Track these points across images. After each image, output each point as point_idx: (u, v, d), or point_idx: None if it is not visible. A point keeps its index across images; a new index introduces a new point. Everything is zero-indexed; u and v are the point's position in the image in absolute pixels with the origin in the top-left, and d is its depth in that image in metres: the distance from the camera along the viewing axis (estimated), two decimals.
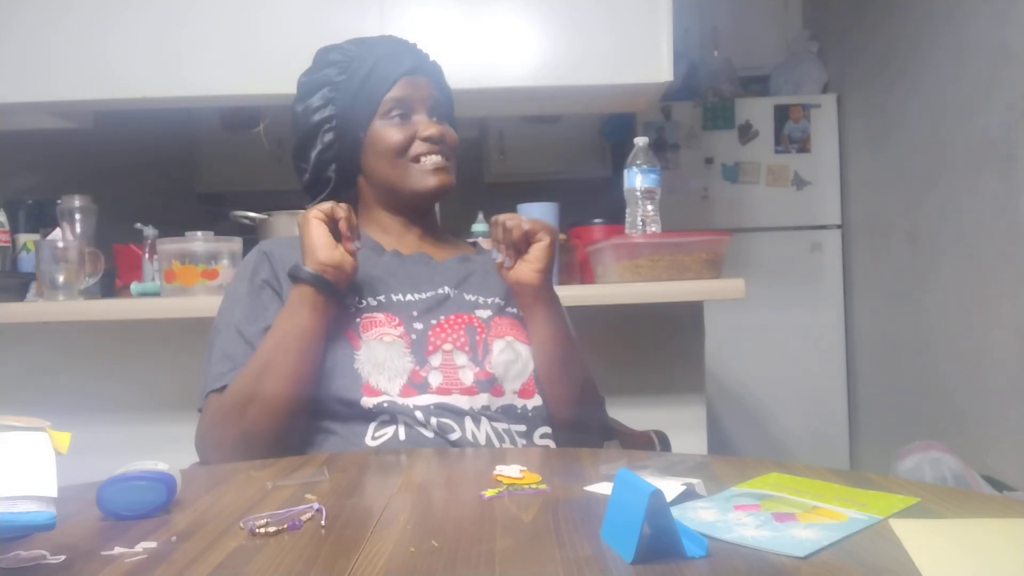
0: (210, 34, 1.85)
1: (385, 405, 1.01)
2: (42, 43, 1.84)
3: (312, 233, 1.02)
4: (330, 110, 1.17)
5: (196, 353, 1.11)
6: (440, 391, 1.03)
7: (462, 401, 1.03)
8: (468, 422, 1.02)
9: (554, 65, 1.86)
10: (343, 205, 1.05)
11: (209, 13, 1.85)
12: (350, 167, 1.19)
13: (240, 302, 1.09)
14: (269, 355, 1.00)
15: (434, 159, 1.14)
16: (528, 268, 1.07)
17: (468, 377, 1.05)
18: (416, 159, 1.14)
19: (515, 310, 1.15)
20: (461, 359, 1.06)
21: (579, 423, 1.12)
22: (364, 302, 1.08)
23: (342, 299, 1.05)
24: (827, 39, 3.47)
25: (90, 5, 1.85)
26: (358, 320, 1.05)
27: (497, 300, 1.14)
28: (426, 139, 1.13)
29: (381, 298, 1.09)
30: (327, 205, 1.04)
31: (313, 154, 1.19)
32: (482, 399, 1.04)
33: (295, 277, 1.02)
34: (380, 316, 1.06)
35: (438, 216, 1.36)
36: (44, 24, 1.85)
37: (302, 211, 1.84)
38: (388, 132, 1.14)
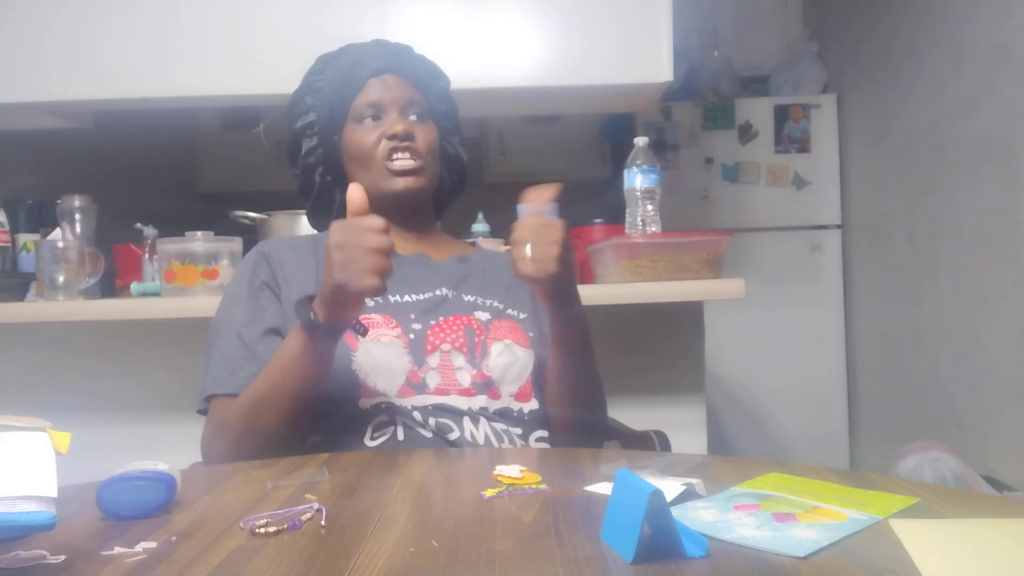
0: (210, 34, 1.85)
1: (383, 406, 1.01)
2: (42, 43, 1.84)
3: (357, 304, 0.94)
4: (312, 116, 1.20)
5: (196, 353, 1.11)
6: (438, 392, 1.03)
7: (460, 402, 1.03)
8: (467, 422, 1.02)
9: (554, 65, 1.85)
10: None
11: (209, 13, 1.85)
12: (335, 172, 1.20)
13: (240, 304, 1.09)
14: (272, 394, 0.97)
15: (401, 162, 1.12)
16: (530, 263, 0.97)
17: (466, 379, 1.05)
18: (385, 159, 1.13)
19: (515, 312, 1.15)
20: (459, 360, 1.06)
21: (575, 426, 1.11)
22: None
23: (360, 328, 1.00)
24: (827, 39, 3.47)
25: (90, 5, 1.85)
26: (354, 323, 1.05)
27: (495, 303, 1.14)
28: (391, 137, 1.12)
29: (378, 298, 1.08)
30: (376, 282, 0.90)
31: (299, 159, 1.21)
32: (480, 400, 1.04)
33: (308, 325, 0.94)
34: (377, 317, 1.06)
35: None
36: (44, 24, 1.85)
37: (302, 211, 1.84)
38: (358, 135, 1.15)
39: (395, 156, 1.12)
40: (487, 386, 1.05)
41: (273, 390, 0.97)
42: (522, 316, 1.15)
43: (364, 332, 0.99)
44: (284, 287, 1.10)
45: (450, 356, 1.06)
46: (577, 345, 1.06)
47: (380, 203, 1.16)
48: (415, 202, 1.17)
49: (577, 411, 1.10)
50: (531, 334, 1.13)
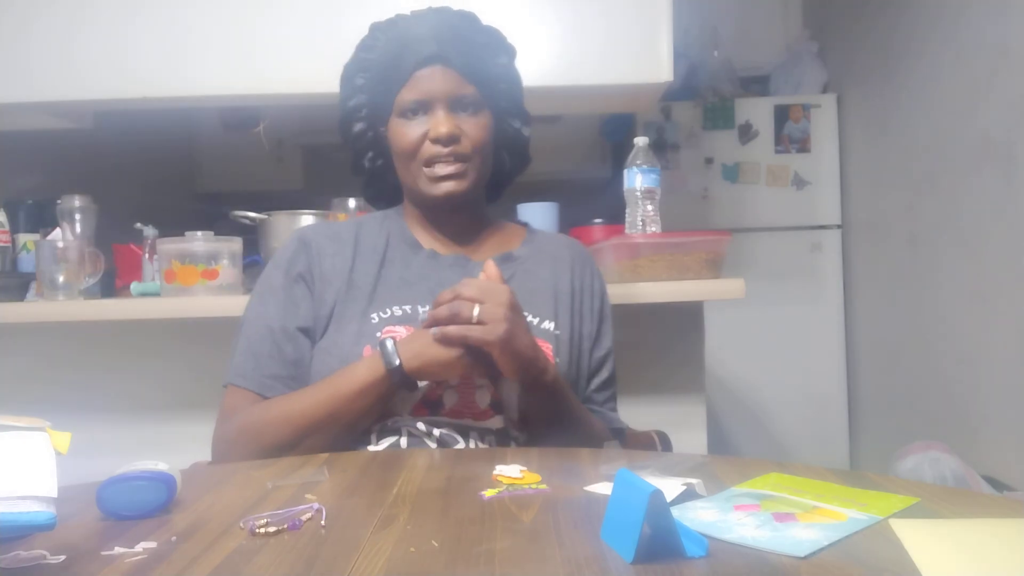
0: (210, 34, 1.85)
1: (389, 424, 1.01)
2: (42, 43, 1.84)
3: (452, 367, 0.95)
4: (361, 98, 1.13)
5: (196, 353, 1.12)
6: (452, 413, 1.01)
7: (472, 423, 1.01)
8: (472, 436, 1.01)
9: (554, 65, 1.85)
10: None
11: (209, 13, 1.85)
12: (386, 156, 1.15)
13: (275, 295, 1.07)
14: (328, 422, 0.97)
15: (442, 168, 1.05)
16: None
17: (484, 399, 1.02)
18: (427, 163, 1.06)
19: (550, 325, 1.09)
20: (480, 379, 1.02)
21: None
22: (388, 312, 1.04)
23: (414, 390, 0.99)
24: (827, 39, 3.46)
25: (90, 5, 1.85)
26: (378, 335, 1.01)
27: (529, 318, 1.06)
28: (435, 140, 1.05)
29: (407, 308, 1.05)
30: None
31: (350, 139, 1.16)
32: (495, 422, 1.02)
33: (391, 370, 0.94)
34: (402, 331, 1.01)
35: None
36: (44, 24, 1.85)
37: (302, 211, 1.83)
38: (401, 131, 1.07)
39: (436, 162, 1.06)
40: (501, 406, 1.03)
41: (330, 418, 0.97)
42: (555, 332, 1.09)
43: (417, 393, 0.99)
44: (319, 282, 1.07)
45: (471, 376, 1.01)
46: (552, 418, 1.02)
47: (421, 204, 1.13)
48: (451, 207, 1.11)
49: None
50: (557, 359, 1.07)
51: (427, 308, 1.02)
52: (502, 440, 1.03)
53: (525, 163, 1.23)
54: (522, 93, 1.19)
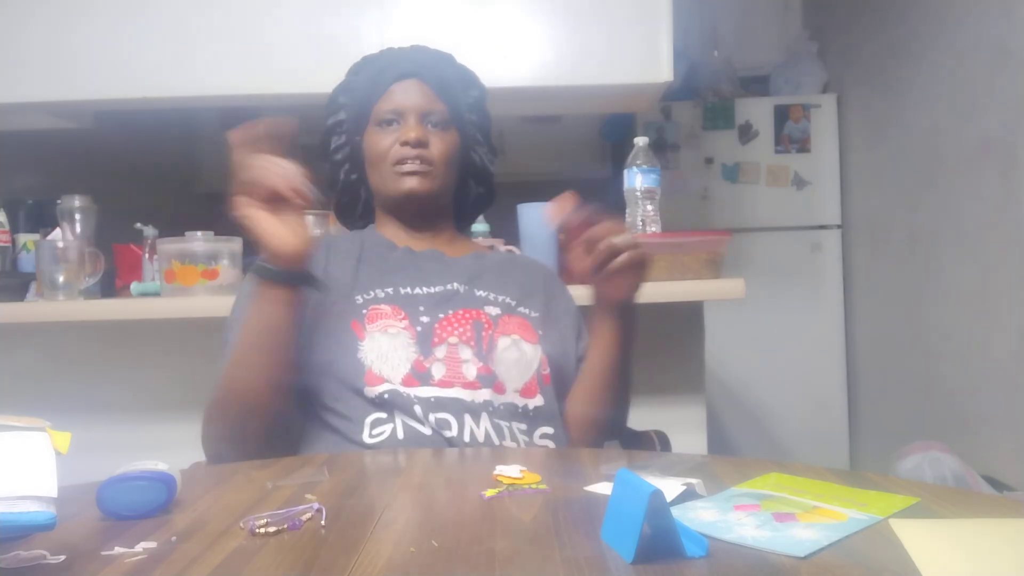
0: (211, 34, 1.85)
1: (386, 396, 1.01)
2: (42, 43, 1.84)
3: (262, 228, 0.99)
4: (342, 115, 1.23)
5: (196, 353, 1.12)
6: (442, 383, 1.04)
7: (464, 395, 1.03)
8: (467, 418, 1.02)
9: (554, 65, 1.86)
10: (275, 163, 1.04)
11: (210, 13, 1.85)
12: (359, 170, 1.23)
13: (251, 298, 1.10)
14: (244, 354, 0.99)
15: (408, 165, 1.14)
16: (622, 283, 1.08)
17: (471, 372, 1.05)
18: (394, 163, 1.15)
19: (526, 310, 1.15)
20: (466, 353, 1.07)
21: (603, 424, 1.15)
22: (372, 294, 1.09)
23: (315, 282, 1.02)
24: (827, 39, 3.47)
25: (90, 5, 1.85)
26: (364, 311, 1.06)
27: (507, 299, 1.14)
28: (404, 143, 1.14)
29: (389, 290, 1.10)
30: (255, 177, 1.02)
31: (328, 155, 1.25)
32: (484, 394, 1.04)
33: (262, 275, 0.97)
34: (386, 308, 1.07)
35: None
36: (44, 24, 1.85)
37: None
38: (376, 138, 1.17)
39: (404, 160, 1.14)
40: (492, 380, 1.06)
41: (247, 351, 0.98)
42: (533, 315, 1.15)
43: (317, 284, 1.01)
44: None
45: (457, 349, 1.06)
46: (630, 342, 1.13)
47: (390, 204, 1.20)
48: (423, 204, 1.18)
49: (612, 409, 1.15)
50: (540, 332, 1.13)
51: (407, 289, 1.10)
52: (494, 418, 1.04)
53: (490, 197, 1.32)
54: (491, 130, 1.28)
